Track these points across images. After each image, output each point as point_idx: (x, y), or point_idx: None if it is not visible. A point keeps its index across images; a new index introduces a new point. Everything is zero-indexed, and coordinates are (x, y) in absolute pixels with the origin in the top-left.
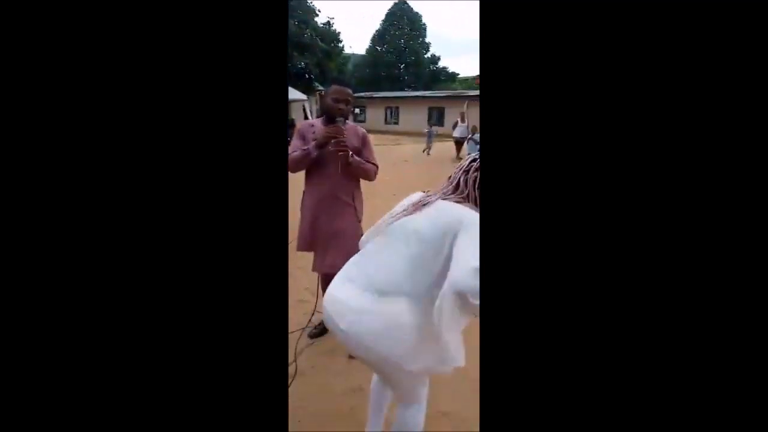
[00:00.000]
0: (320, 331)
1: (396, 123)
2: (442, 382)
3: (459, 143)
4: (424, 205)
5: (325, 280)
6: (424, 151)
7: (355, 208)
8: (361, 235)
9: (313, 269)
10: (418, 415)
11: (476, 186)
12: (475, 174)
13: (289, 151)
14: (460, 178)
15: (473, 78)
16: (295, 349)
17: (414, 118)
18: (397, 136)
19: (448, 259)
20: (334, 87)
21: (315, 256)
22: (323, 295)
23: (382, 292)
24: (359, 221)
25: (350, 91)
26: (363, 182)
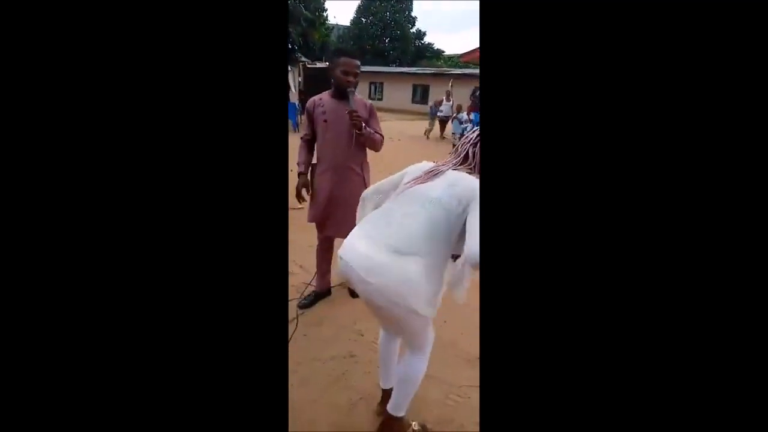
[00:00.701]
0: (310, 301)
1: (380, 99)
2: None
3: (443, 122)
4: (436, 174)
5: (327, 246)
6: (425, 133)
7: (363, 177)
8: None
9: (329, 235)
10: (421, 365)
11: None
12: None
13: (301, 135)
14: (468, 150)
15: (458, 56)
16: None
17: (398, 94)
18: (381, 113)
19: (461, 225)
20: (343, 59)
21: (328, 223)
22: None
23: (399, 252)
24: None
25: (358, 62)
26: None
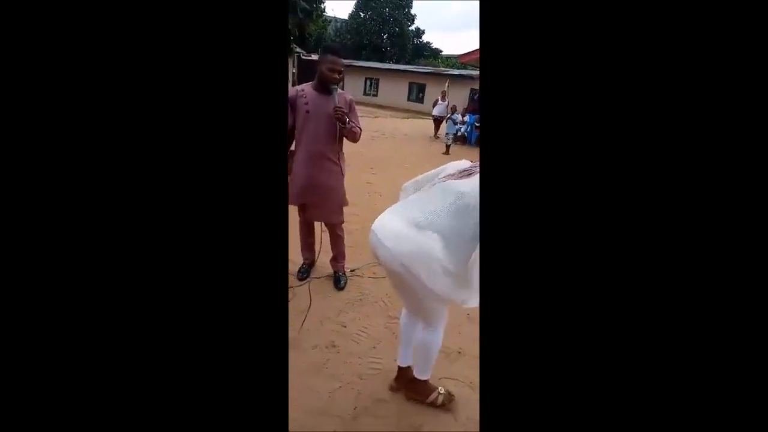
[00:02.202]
0: (305, 271)
1: (375, 95)
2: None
3: (438, 121)
4: (470, 174)
5: (308, 228)
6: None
7: (340, 166)
8: (344, 188)
9: (309, 219)
10: (435, 338)
11: None
12: None
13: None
14: None
15: (456, 57)
16: None
17: (394, 91)
18: (375, 109)
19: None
20: (330, 57)
21: (307, 208)
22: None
23: (419, 225)
24: (343, 176)
25: (344, 62)
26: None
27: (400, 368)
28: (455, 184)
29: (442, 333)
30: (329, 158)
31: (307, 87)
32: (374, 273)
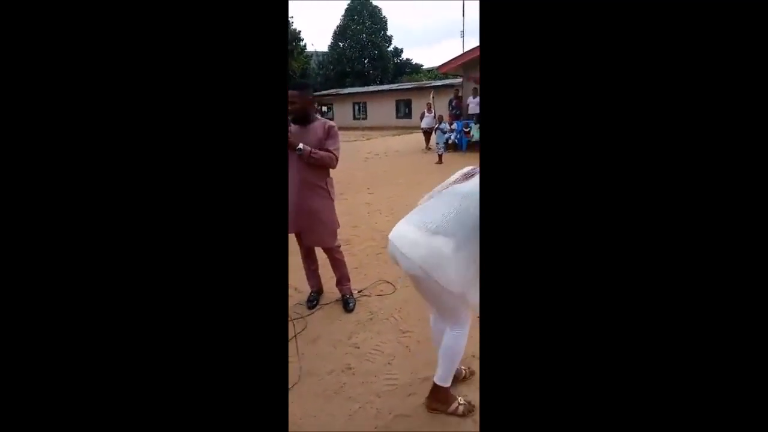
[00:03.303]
0: (314, 299)
1: (365, 118)
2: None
3: (427, 133)
4: (472, 175)
5: (308, 255)
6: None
7: (328, 191)
8: (334, 212)
9: (307, 245)
10: (461, 338)
11: None
12: None
13: None
14: None
15: (437, 68)
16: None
17: (382, 111)
18: (366, 131)
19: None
20: (289, 92)
21: (303, 235)
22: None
23: (431, 230)
24: (333, 200)
25: (296, 92)
26: (340, 179)
27: (434, 385)
28: (459, 187)
29: (466, 338)
30: (316, 184)
31: (293, 123)
32: (381, 291)
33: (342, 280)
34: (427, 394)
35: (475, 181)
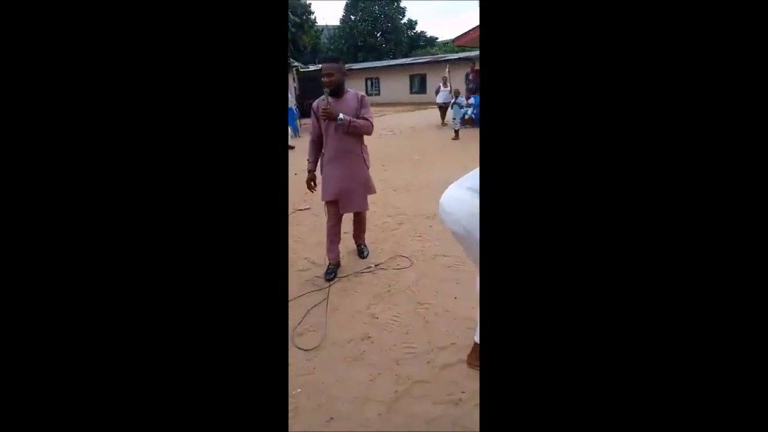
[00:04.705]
0: (333, 271)
1: (378, 93)
2: None
3: (443, 108)
4: None
5: (336, 224)
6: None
7: (364, 159)
8: (371, 178)
9: (342, 212)
10: None
11: None
12: None
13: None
14: None
15: (452, 40)
16: (306, 311)
17: (396, 87)
18: (380, 107)
19: None
20: (323, 65)
21: (340, 202)
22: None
23: (475, 191)
24: (368, 167)
25: (332, 65)
26: None
27: (476, 343)
28: None
29: None
30: (353, 152)
31: (328, 96)
32: (398, 264)
33: (360, 234)
34: (444, 363)
35: None
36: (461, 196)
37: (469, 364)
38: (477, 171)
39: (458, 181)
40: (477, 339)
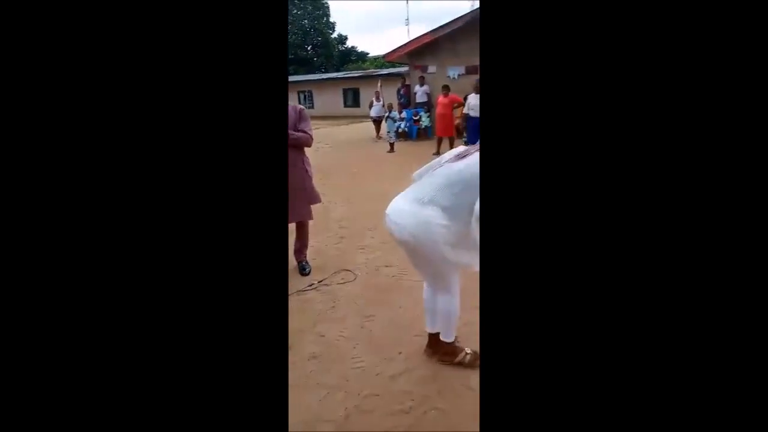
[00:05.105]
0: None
1: (311, 107)
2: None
3: (377, 122)
4: (464, 156)
5: (300, 227)
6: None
7: (306, 169)
8: (314, 188)
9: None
10: (452, 303)
11: None
12: None
13: None
14: None
15: (383, 56)
16: None
17: (329, 100)
18: (315, 120)
19: (476, 194)
20: None
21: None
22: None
23: (421, 201)
24: (311, 177)
25: None
26: None
27: (429, 334)
28: (453, 165)
29: (458, 299)
30: (295, 165)
31: None
32: (342, 279)
33: (302, 249)
34: (393, 373)
35: (467, 161)
36: (408, 207)
37: (438, 359)
38: (420, 183)
39: (403, 193)
40: (442, 337)
